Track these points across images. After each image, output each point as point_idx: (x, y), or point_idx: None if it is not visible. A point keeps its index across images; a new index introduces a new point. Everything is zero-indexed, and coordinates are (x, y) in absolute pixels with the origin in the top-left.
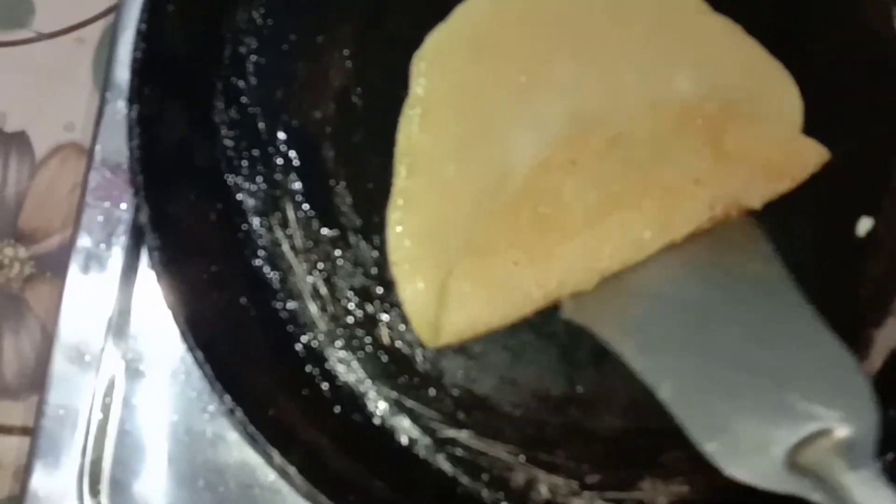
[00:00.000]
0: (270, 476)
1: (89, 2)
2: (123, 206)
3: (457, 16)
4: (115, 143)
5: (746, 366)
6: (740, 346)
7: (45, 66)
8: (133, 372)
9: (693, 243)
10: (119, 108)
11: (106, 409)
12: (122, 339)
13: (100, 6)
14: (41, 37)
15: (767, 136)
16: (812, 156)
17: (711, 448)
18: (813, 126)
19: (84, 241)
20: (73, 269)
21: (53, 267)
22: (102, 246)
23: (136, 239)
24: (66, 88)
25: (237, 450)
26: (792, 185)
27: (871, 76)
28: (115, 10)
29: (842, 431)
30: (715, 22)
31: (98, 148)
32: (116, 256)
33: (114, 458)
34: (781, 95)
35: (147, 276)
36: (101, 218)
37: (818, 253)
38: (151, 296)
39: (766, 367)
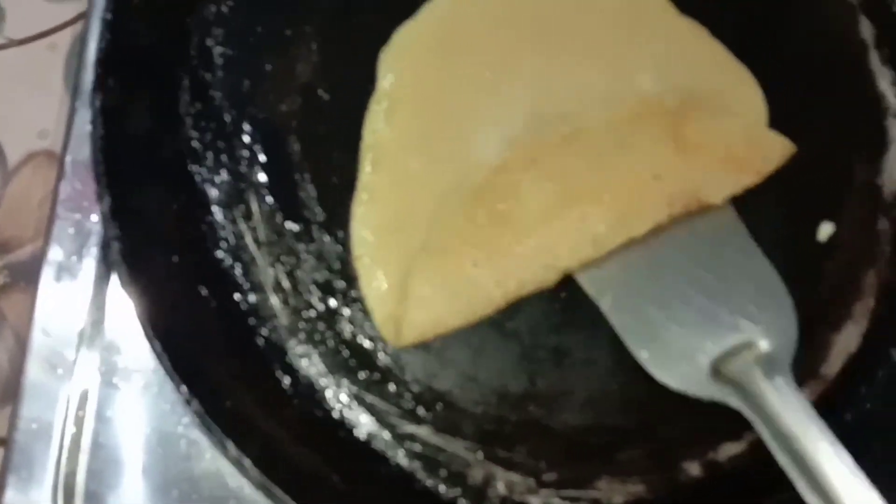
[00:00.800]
0: (246, 488)
1: (61, 8)
2: (94, 217)
3: (424, 12)
4: (86, 153)
5: (684, 281)
6: (679, 262)
7: (17, 72)
8: (106, 384)
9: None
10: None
11: (79, 421)
12: (95, 350)
13: (71, 12)
14: (12, 43)
15: (730, 127)
16: (776, 148)
17: (644, 355)
18: (776, 128)
19: (55, 253)
20: (45, 281)
21: (27, 276)
22: (74, 258)
23: (107, 250)
24: (39, 95)
25: (211, 461)
26: (756, 178)
27: (835, 82)
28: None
29: (763, 344)
30: (680, 23)
31: (68, 158)
32: (88, 268)
33: (88, 471)
34: (745, 97)
35: (119, 289)
36: (72, 230)
37: (778, 256)
38: (124, 307)
39: (701, 283)
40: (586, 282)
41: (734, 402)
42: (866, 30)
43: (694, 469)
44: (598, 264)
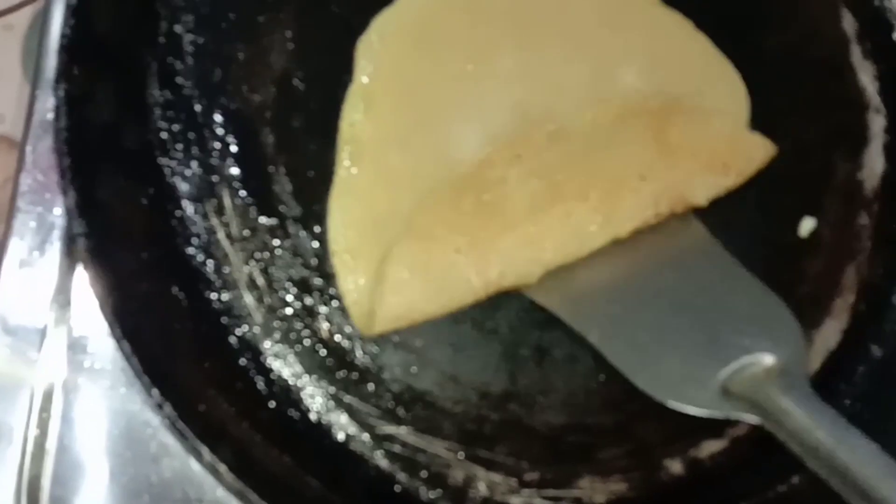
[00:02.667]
0: (218, 490)
1: None
2: (57, 210)
3: (403, 1)
4: (48, 142)
5: (673, 309)
6: (668, 292)
7: None
8: (72, 384)
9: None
10: (51, 105)
11: (43, 423)
12: (59, 349)
13: None
14: None
15: (713, 130)
16: (758, 150)
17: (644, 382)
18: (758, 124)
19: (16, 247)
20: (6, 277)
21: None
22: (36, 252)
23: (72, 245)
24: None
25: (181, 464)
26: (738, 180)
27: (817, 76)
28: None
29: (771, 359)
30: (665, 16)
31: (29, 148)
32: (52, 263)
33: (53, 475)
34: (728, 91)
35: (84, 285)
36: (33, 223)
37: (759, 251)
38: (90, 304)
39: (691, 308)
40: (570, 318)
41: (753, 418)
42: (848, 24)
43: (675, 467)
44: (579, 299)
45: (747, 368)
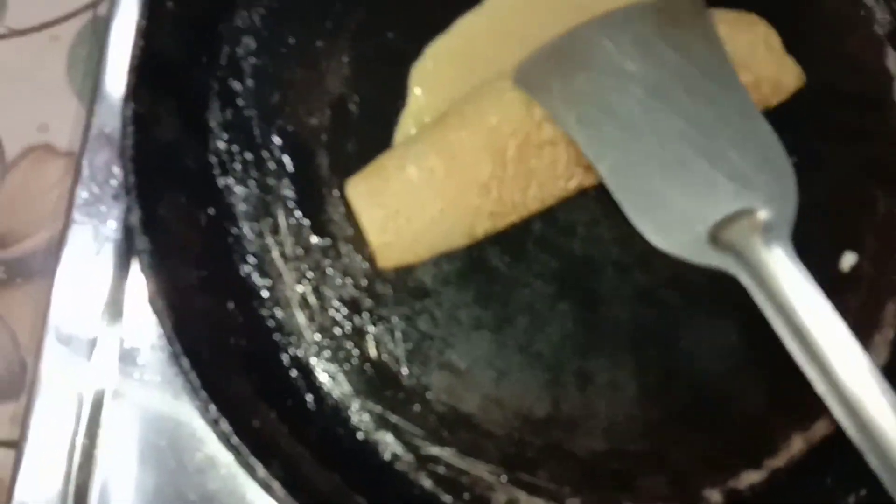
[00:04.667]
0: (260, 502)
1: None
2: (111, 223)
3: (456, 29)
4: (103, 157)
5: (683, 143)
6: (680, 125)
7: (17, 64)
8: (120, 395)
9: (641, 20)
10: (106, 121)
11: (91, 433)
12: (108, 361)
13: (75, 3)
14: (13, 33)
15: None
16: (791, 78)
17: (641, 222)
18: (800, 158)
19: (70, 259)
20: (59, 288)
21: (24, 273)
22: (89, 264)
23: (125, 258)
24: (40, 88)
25: (227, 476)
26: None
27: (859, 109)
28: (93, 7)
29: (762, 212)
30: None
31: (85, 162)
32: (104, 275)
33: (100, 485)
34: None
35: (135, 299)
36: (88, 235)
37: None
38: (139, 317)
39: (701, 146)
40: (585, 143)
41: (732, 268)
42: (892, 61)
43: (714, 497)
44: (599, 126)
45: (739, 218)
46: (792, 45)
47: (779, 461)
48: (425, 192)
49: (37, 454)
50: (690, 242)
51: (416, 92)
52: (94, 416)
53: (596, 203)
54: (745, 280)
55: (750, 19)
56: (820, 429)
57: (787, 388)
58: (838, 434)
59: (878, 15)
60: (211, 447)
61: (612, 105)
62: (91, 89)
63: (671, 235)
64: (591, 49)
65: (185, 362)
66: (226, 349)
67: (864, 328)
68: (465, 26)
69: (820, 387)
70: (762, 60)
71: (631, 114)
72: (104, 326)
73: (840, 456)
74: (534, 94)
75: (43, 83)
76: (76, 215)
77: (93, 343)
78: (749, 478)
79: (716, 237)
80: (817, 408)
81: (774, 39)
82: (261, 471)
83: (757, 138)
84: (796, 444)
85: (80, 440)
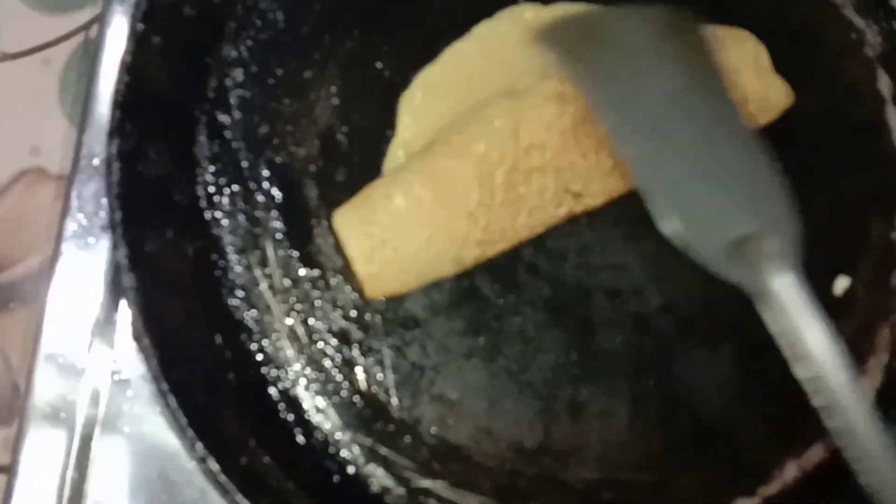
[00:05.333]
0: None
1: (56, 22)
2: (101, 255)
3: (445, 58)
4: (93, 188)
5: (702, 152)
6: (698, 133)
7: (10, 87)
8: (110, 428)
9: (658, 23)
10: (97, 150)
11: (81, 467)
12: (98, 393)
13: (68, 26)
14: (6, 57)
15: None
16: (780, 97)
17: (665, 215)
18: (792, 181)
19: (60, 291)
20: (49, 321)
21: (18, 297)
22: (79, 296)
23: (114, 290)
24: (32, 111)
25: None
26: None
27: (853, 135)
28: (85, 31)
29: (772, 240)
30: None
31: (74, 193)
32: (94, 307)
33: None
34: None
35: (124, 329)
36: (77, 267)
37: None
38: (129, 349)
39: (717, 161)
40: (614, 124)
41: (749, 286)
42: (884, 84)
43: None
44: (629, 110)
45: (751, 241)
46: (784, 68)
47: (772, 489)
48: (413, 221)
49: (28, 482)
50: (714, 247)
51: (405, 121)
52: (83, 449)
53: (587, 230)
54: (756, 298)
55: (740, 35)
56: (813, 455)
57: (780, 416)
58: (831, 460)
59: (870, 37)
60: (202, 479)
61: (644, 92)
62: (81, 116)
63: (699, 234)
64: (624, 31)
65: (173, 400)
66: (213, 384)
67: (857, 352)
68: (453, 55)
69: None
70: (750, 78)
71: (660, 107)
72: (94, 358)
73: (833, 482)
74: (562, 61)
75: (35, 106)
76: (65, 247)
77: (83, 375)
78: None
79: (732, 254)
80: (811, 434)
81: (764, 57)
82: None
83: (759, 167)
84: (790, 471)
85: (70, 473)
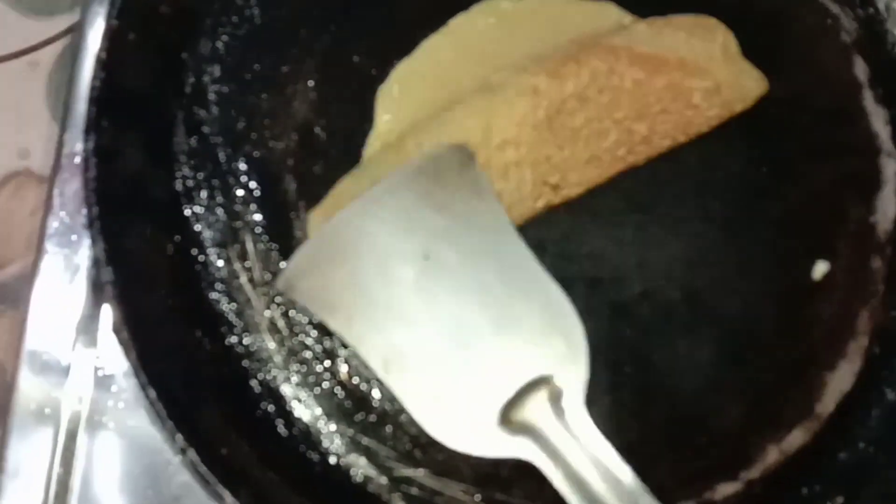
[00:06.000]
0: None
1: (43, 25)
2: (83, 252)
3: (421, 51)
4: (75, 185)
5: (465, 318)
6: (459, 297)
7: None
8: (95, 423)
9: (404, 189)
10: (79, 149)
11: (67, 462)
12: (83, 389)
13: (54, 29)
14: None
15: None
16: (753, 84)
17: (428, 423)
18: (771, 167)
19: (43, 289)
20: (32, 317)
21: (7, 299)
22: (62, 293)
23: (97, 287)
24: (19, 113)
25: (204, 502)
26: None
27: (830, 121)
28: (71, 33)
29: (557, 378)
30: None
31: (56, 191)
32: (77, 304)
33: None
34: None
35: (107, 327)
36: (60, 265)
37: (773, 294)
38: (113, 345)
39: (486, 315)
40: (356, 343)
41: (529, 454)
42: (860, 69)
43: None
44: (370, 323)
45: (533, 389)
46: (760, 56)
47: (754, 472)
48: None
49: (15, 478)
50: (483, 433)
51: (383, 114)
52: (69, 445)
53: (566, 219)
54: (542, 463)
55: (707, 24)
56: (795, 439)
57: (761, 401)
58: (813, 444)
59: (845, 23)
60: (187, 474)
61: (377, 297)
62: (62, 115)
63: (462, 430)
64: (353, 237)
65: (152, 392)
66: (194, 377)
67: (838, 337)
68: (429, 48)
69: None
70: (720, 66)
71: (401, 302)
72: (78, 355)
73: (815, 466)
74: (306, 303)
75: (23, 109)
76: (48, 245)
77: (67, 371)
78: (725, 490)
79: (509, 419)
80: (792, 419)
81: (732, 44)
82: (229, 499)
83: (542, 295)
84: (771, 456)
85: (56, 469)
